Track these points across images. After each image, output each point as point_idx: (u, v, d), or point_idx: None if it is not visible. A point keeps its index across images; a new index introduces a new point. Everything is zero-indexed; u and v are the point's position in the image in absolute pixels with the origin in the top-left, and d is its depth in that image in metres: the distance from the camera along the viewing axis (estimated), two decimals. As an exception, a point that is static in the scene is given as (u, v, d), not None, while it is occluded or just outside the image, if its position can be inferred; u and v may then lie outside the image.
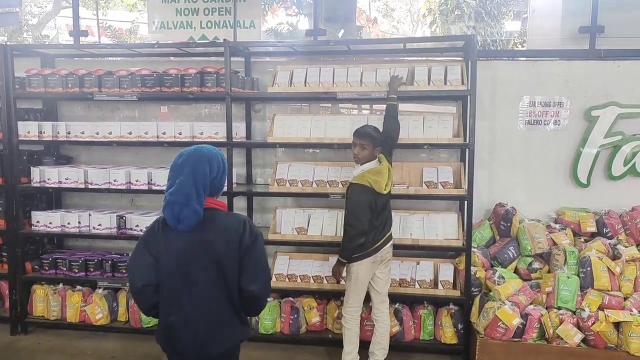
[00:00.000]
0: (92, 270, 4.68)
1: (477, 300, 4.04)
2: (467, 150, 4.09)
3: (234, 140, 4.37)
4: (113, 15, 17.17)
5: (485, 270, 4.20)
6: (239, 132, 4.60)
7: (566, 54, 4.55)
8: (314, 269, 4.44)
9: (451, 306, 4.26)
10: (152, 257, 2.30)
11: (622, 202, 4.35)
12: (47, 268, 4.73)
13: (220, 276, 2.28)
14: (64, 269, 4.70)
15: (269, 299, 4.44)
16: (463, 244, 4.13)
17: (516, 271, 4.23)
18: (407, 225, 4.31)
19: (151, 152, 4.94)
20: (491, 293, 3.92)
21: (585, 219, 4.27)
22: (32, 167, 4.68)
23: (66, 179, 4.61)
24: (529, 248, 4.17)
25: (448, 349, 4.23)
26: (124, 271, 4.63)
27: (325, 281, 4.37)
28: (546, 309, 3.83)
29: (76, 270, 4.67)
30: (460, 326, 4.19)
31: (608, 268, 3.87)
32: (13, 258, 4.65)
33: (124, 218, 4.58)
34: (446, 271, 4.30)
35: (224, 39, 4.38)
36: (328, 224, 4.38)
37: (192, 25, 4.97)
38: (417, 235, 4.25)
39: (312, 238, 4.35)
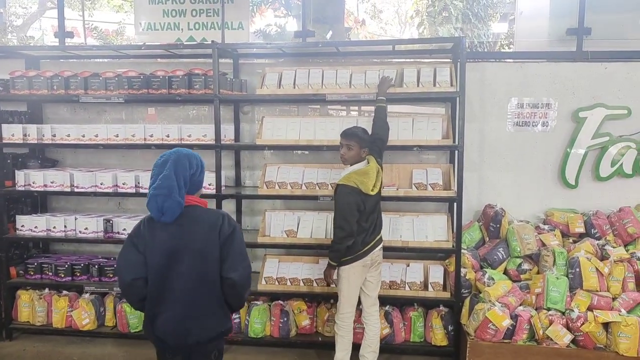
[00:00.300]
0: (78, 274, 4.61)
1: (467, 301, 4.04)
2: (456, 151, 4.09)
3: (222, 142, 4.33)
4: (99, 17, 16.99)
5: (475, 272, 4.21)
6: (228, 134, 4.56)
7: (553, 56, 4.58)
8: (303, 272, 4.42)
9: (441, 308, 4.25)
10: (139, 253, 2.47)
11: (610, 203, 4.38)
12: (32, 273, 4.66)
13: (203, 267, 2.46)
14: (50, 273, 4.63)
15: (257, 303, 4.42)
16: (453, 246, 4.13)
17: (506, 272, 4.24)
18: (396, 227, 4.30)
19: (138, 155, 4.89)
20: (481, 294, 3.92)
21: (574, 220, 4.29)
22: (16, 171, 4.60)
23: (51, 183, 4.53)
24: (518, 249, 4.18)
25: (438, 350, 4.23)
26: (111, 276, 4.57)
27: (315, 284, 4.34)
28: (536, 310, 3.84)
29: (62, 275, 4.60)
30: (450, 328, 4.18)
31: (597, 269, 3.89)
32: (-3, 263, 4.57)
33: (111, 222, 4.52)
34: (436, 273, 4.30)
35: (212, 41, 4.35)
36: (318, 226, 4.35)
37: (179, 27, 4.92)
38: (406, 237, 4.25)
39: (301, 241, 4.33)
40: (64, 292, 4.67)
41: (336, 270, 3.61)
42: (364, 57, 4.69)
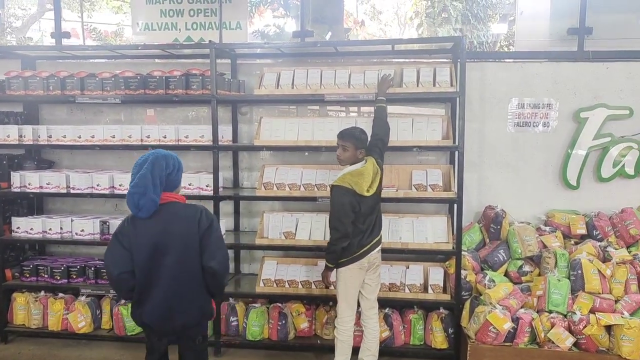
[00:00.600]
0: (74, 277, 4.57)
1: (467, 304, 3.99)
2: (456, 152, 4.05)
3: (220, 143, 4.28)
4: (98, 18, 16.95)
5: (476, 274, 4.16)
6: (225, 135, 4.51)
7: (554, 56, 4.53)
8: (302, 274, 4.37)
9: (441, 310, 4.20)
10: (124, 249, 2.68)
11: (612, 204, 4.34)
12: (28, 275, 4.61)
13: (185, 258, 2.68)
14: (46, 276, 4.58)
15: (255, 305, 4.37)
16: (453, 247, 4.08)
17: (507, 274, 4.19)
18: (396, 229, 4.25)
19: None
20: (482, 297, 3.87)
21: (575, 221, 4.24)
22: (12, 172, 4.56)
23: (47, 184, 4.49)
24: (519, 251, 4.13)
25: (439, 354, 4.18)
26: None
27: (313, 286, 4.29)
28: (537, 312, 3.79)
29: (58, 277, 4.55)
30: (450, 331, 4.13)
31: (599, 270, 3.84)
32: (-8, 265, 4.52)
33: (107, 223, 4.47)
34: (436, 275, 4.25)
35: (209, 41, 4.31)
36: (316, 228, 4.31)
37: (177, 27, 4.87)
38: (406, 239, 4.20)
39: (300, 242, 4.28)
40: (60, 294, 4.62)
41: (334, 273, 3.56)
42: (363, 57, 4.64)
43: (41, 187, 4.48)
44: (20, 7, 16.44)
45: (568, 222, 4.27)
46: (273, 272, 4.42)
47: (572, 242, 4.26)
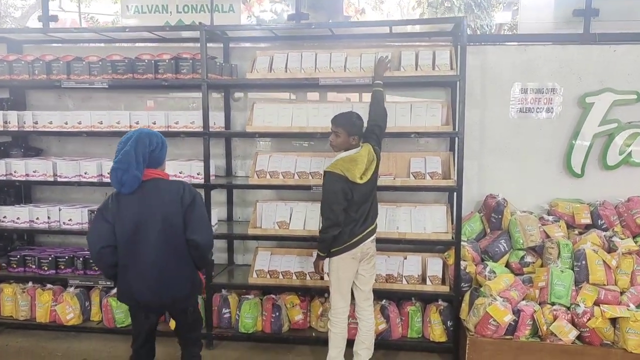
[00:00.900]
0: (62, 267, 4.45)
1: (467, 296, 3.85)
2: (456, 139, 3.90)
3: (211, 129, 4.13)
4: (97, 8, 16.81)
5: (476, 265, 4.01)
6: (217, 121, 4.37)
7: (559, 39, 4.35)
8: (296, 265, 4.23)
9: (440, 302, 4.07)
10: (108, 224, 2.74)
11: (618, 193, 4.17)
12: (15, 266, 4.50)
13: (167, 232, 2.74)
14: (33, 266, 4.47)
15: (249, 297, 4.24)
16: (452, 238, 3.93)
17: (508, 265, 4.04)
18: (393, 219, 4.10)
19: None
20: (482, 288, 3.73)
21: (580, 211, 4.09)
22: (-2, 159, 4.43)
23: (34, 172, 4.35)
24: (521, 241, 3.98)
25: (437, 347, 4.05)
26: (97, 269, 4.39)
27: (308, 277, 4.16)
28: (539, 304, 3.65)
29: (46, 268, 4.43)
30: (449, 323, 4.00)
31: (604, 261, 3.69)
32: (-22, 256, 4.41)
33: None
34: (435, 266, 4.11)
35: (200, 22, 4.14)
36: (311, 217, 4.16)
37: (167, 10, 4.73)
38: (404, 229, 4.05)
39: (294, 232, 4.14)
40: (48, 285, 4.50)
41: (327, 262, 3.43)
42: (360, 40, 4.46)
43: (27, 175, 4.34)
44: (20, -2, 16.30)
45: (572, 212, 4.11)
46: (267, 263, 4.28)
47: (576, 232, 4.10)
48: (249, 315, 4.19)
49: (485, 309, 3.51)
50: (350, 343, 3.61)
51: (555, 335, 3.50)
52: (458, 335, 3.92)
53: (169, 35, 4.46)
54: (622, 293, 3.66)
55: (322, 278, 4.05)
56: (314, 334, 4.20)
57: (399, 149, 4.34)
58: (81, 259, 4.42)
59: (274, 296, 4.27)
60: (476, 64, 4.26)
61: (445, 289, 3.99)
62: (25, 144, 4.79)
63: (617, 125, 4.15)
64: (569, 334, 3.48)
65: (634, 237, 3.99)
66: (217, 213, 4.47)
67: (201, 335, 3.21)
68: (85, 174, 4.31)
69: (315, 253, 3.97)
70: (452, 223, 4.03)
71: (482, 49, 4.31)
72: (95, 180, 4.30)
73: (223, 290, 4.31)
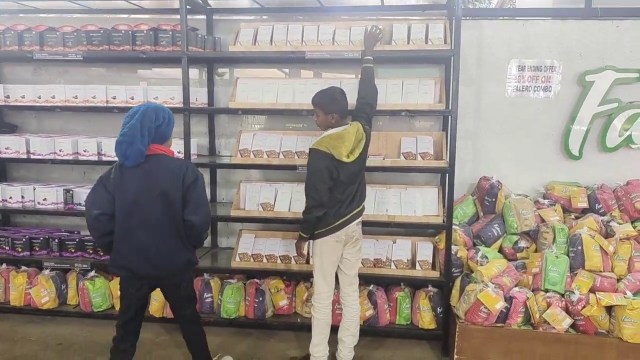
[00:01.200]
0: (37, 249, 4.27)
1: (457, 282, 3.70)
2: (449, 117, 3.70)
3: (192, 106, 3.93)
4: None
5: (467, 250, 3.85)
6: (200, 97, 4.17)
7: (559, 13, 4.14)
8: (281, 248, 4.06)
9: (430, 288, 3.92)
10: (107, 192, 2.74)
11: (617, 176, 4.00)
12: (-12, 247, 4.31)
13: (166, 208, 2.73)
14: (7, 247, 4.29)
15: (231, 281, 4.08)
16: (443, 221, 3.76)
17: (501, 250, 3.88)
18: (382, 201, 3.93)
19: (104, 121, 4.49)
20: (473, 274, 3.57)
21: (577, 194, 3.92)
22: (-32, 136, 4.22)
23: (6, 149, 4.16)
24: (515, 225, 3.82)
25: (426, 334, 3.90)
26: (73, 250, 4.22)
27: (293, 261, 3.99)
28: (532, 291, 3.49)
29: (20, 250, 4.25)
30: (439, 310, 3.85)
31: (600, 247, 3.53)
32: (-51, 236, 4.22)
33: (71, 192, 4.15)
34: (425, 250, 3.95)
35: (180, -9, 3.89)
36: (296, 199, 3.98)
37: (148, -22, 4.46)
38: (393, 212, 3.88)
39: (279, 214, 3.96)
40: (23, 267, 4.33)
41: (310, 245, 3.26)
42: (350, 12, 4.24)
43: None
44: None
45: (569, 195, 3.94)
46: (250, 246, 4.11)
47: (573, 216, 3.94)
48: (231, 300, 4.03)
49: (476, 296, 3.36)
50: (335, 329, 3.46)
51: (549, 324, 3.35)
52: (448, 323, 3.78)
53: (149, 5, 4.22)
54: (618, 280, 3.50)
55: (307, 262, 3.89)
56: (299, 320, 4.06)
57: (390, 128, 4.16)
58: (57, 240, 4.23)
59: (257, 281, 4.11)
60: (471, 39, 4.05)
61: (436, 274, 3.84)
62: (-1, 119, 4.57)
63: (617, 106, 3.96)
64: (563, 322, 3.33)
65: (632, 222, 3.82)
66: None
67: (196, 312, 3.13)
68: (60, 151, 4.11)
69: (299, 235, 3.81)
70: (444, 206, 3.86)
71: (478, 24, 4.09)
72: (70, 158, 4.10)
73: (205, 274, 4.14)
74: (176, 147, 3.94)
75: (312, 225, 3.15)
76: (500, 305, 3.32)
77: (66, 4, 4.29)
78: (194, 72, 4.36)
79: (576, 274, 3.51)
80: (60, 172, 4.62)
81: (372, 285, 3.98)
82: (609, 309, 3.34)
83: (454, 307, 3.64)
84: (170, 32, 3.87)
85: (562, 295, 3.45)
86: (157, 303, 4.07)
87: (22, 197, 4.23)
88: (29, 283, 4.23)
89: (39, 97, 4.08)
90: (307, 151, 3.73)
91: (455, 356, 3.45)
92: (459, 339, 3.43)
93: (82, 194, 4.15)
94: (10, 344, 3.90)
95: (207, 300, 4.10)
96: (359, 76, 3.60)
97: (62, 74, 4.53)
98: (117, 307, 4.16)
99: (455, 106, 3.61)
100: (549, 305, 3.38)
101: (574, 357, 3.32)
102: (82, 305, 4.19)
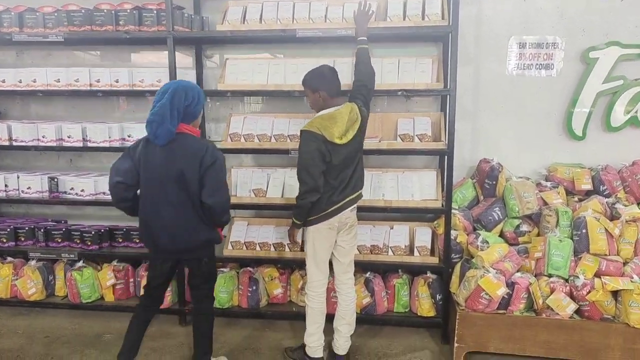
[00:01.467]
0: (22, 239, 4.13)
1: (457, 267, 3.57)
2: (447, 97, 3.55)
3: (179, 88, 3.75)
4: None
5: (467, 235, 3.71)
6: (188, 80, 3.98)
7: (562, -14, 3.96)
8: (275, 236, 3.93)
9: (428, 275, 3.79)
10: (132, 164, 2.80)
11: (622, 156, 3.84)
12: (-29, 238, 4.17)
13: (184, 188, 2.75)
14: (-9, 238, 4.14)
15: (224, 270, 3.95)
16: (442, 205, 3.63)
17: (502, 235, 3.75)
18: (379, 185, 3.79)
19: (89, 106, 4.33)
20: (473, 260, 3.44)
21: (580, 176, 3.78)
22: (-51, 123, 4.06)
23: (-12, 136, 3.99)
24: (517, 209, 3.68)
25: (425, 322, 3.78)
26: (60, 240, 4.08)
27: (287, 249, 3.86)
28: (535, 276, 3.37)
29: (4, 240, 4.10)
30: (438, 297, 3.73)
31: (606, 229, 3.39)
32: None
33: (56, 180, 3.99)
34: (423, 236, 3.81)
35: (164, -33, 3.71)
36: (289, 184, 3.84)
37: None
38: (390, 196, 3.74)
39: (271, 201, 3.82)
40: (9, 258, 4.19)
41: (302, 232, 3.12)
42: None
43: (-20, 139, 3.98)
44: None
45: (572, 177, 3.80)
46: (243, 234, 3.98)
47: (576, 198, 3.80)
48: (224, 290, 3.90)
49: (477, 282, 3.22)
50: (331, 318, 3.34)
51: (552, 310, 3.23)
52: (447, 310, 3.66)
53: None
54: (625, 264, 3.37)
55: (302, 249, 3.75)
56: (294, 309, 3.93)
57: (386, 109, 3.99)
58: (42, 230, 4.09)
59: (251, 269, 3.98)
60: (470, 15, 3.88)
61: (435, 260, 3.71)
62: (-20, 106, 4.41)
63: (622, 83, 3.81)
64: (567, 308, 3.21)
65: (638, 204, 3.68)
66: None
67: (212, 294, 3.18)
68: (43, 137, 3.95)
69: (293, 222, 3.67)
70: (443, 190, 3.72)
71: (477, -1, 3.92)
72: (54, 144, 3.95)
73: (196, 262, 4.00)
74: (164, 131, 3.80)
75: (305, 211, 3.01)
76: (502, 291, 3.19)
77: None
78: (182, 56, 4.19)
79: (580, 258, 3.38)
80: (47, 160, 4.46)
81: (369, 273, 3.86)
82: (615, 293, 3.21)
83: (454, 293, 3.52)
84: (155, 11, 3.69)
85: (566, 280, 3.32)
86: (147, 293, 3.94)
87: (6, 185, 4.08)
88: (14, 274, 4.09)
89: (20, 81, 3.92)
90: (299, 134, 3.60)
91: (456, 344, 3.33)
92: (459, 326, 3.31)
93: (67, 181, 4.01)
94: (-4, 337, 3.79)
95: (199, 290, 3.96)
96: (354, 57, 3.44)
97: (45, 58, 4.35)
98: (107, 298, 4.09)
99: (454, 85, 3.46)
100: (552, 290, 3.26)
101: (579, 343, 3.20)
102: (70, 297, 4.06)
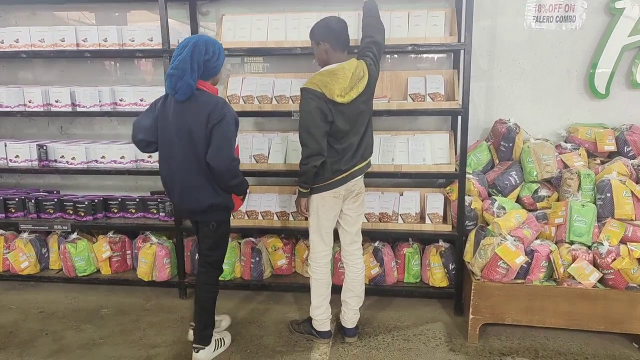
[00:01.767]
0: (13, 211, 3.93)
1: (472, 235, 3.36)
2: (461, 53, 3.28)
3: (172, 47, 3.49)
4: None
5: (482, 200, 3.50)
6: (182, 39, 3.71)
7: None
8: (277, 204, 3.73)
9: (441, 243, 3.59)
10: (152, 119, 2.76)
11: (648, 115, 3.61)
12: (-40, 210, 3.97)
13: (192, 146, 2.64)
14: (-20, 210, 3.95)
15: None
16: (456, 170, 3.40)
17: (519, 200, 3.53)
18: (388, 149, 3.55)
19: (78, 69, 4.08)
20: (489, 227, 3.22)
21: (603, 136, 3.53)
22: None
23: (-29, 102, 3.75)
24: (535, 172, 3.45)
25: (437, 292, 3.60)
26: (52, 211, 3.88)
27: (291, 218, 3.66)
28: (556, 244, 3.16)
29: (-6, 212, 3.91)
30: (451, 266, 3.53)
31: (632, 193, 3.17)
32: None
33: (45, 147, 3.77)
34: (435, 202, 3.59)
35: None
36: (292, 149, 3.61)
37: None
38: (400, 161, 3.50)
39: (273, 167, 3.59)
40: (0, 231, 4.00)
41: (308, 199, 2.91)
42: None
43: (-37, 105, 3.74)
44: None
45: (594, 138, 3.56)
46: (244, 203, 3.76)
47: (598, 161, 3.57)
48: (225, 261, 3.65)
49: (494, 250, 3.02)
50: (338, 290, 3.15)
51: (574, 278, 3.03)
52: (461, 280, 3.47)
53: None
54: (652, 229, 3.16)
55: (306, 218, 3.54)
56: (299, 281, 3.75)
57: (395, 67, 3.73)
58: (33, 200, 3.89)
59: (253, 239, 3.79)
60: (486, -38, 3.58)
61: (447, 228, 3.50)
62: (-38, 71, 4.15)
63: (651, 35, 3.53)
64: (590, 277, 3.01)
65: (666, 166, 3.45)
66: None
67: (221, 264, 3.03)
68: (29, 102, 3.71)
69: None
70: (456, 153, 3.48)
71: (493, -54, 3.61)
72: (41, 109, 3.71)
73: (196, 233, 3.81)
74: (158, 93, 3.55)
75: (310, 177, 2.77)
76: (520, 259, 2.99)
77: None
78: (175, 12, 3.91)
79: (605, 223, 3.16)
80: (37, 127, 4.24)
81: (377, 242, 3.66)
82: (642, 261, 3.01)
83: (468, 263, 3.32)
84: (144, -37, 3.40)
85: (589, 248, 3.11)
86: (145, 266, 3.76)
87: (-7, 154, 3.86)
88: (6, 247, 3.92)
89: (2, 42, 3.66)
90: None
91: (471, 315, 3.14)
92: (474, 297, 3.12)
93: (57, 149, 3.78)
94: (-12, 312, 3.63)
95: (199, 262, 3.78)
96: (361, 11, 3.17)
97: (30, 18, 4.07)
98: (103, 272, 3.91)
99: (470, 39, 3.18)
100: (574, 258, 3.06)
101: (603, 314, 3.01)
102: (65, 270, 3.89)
